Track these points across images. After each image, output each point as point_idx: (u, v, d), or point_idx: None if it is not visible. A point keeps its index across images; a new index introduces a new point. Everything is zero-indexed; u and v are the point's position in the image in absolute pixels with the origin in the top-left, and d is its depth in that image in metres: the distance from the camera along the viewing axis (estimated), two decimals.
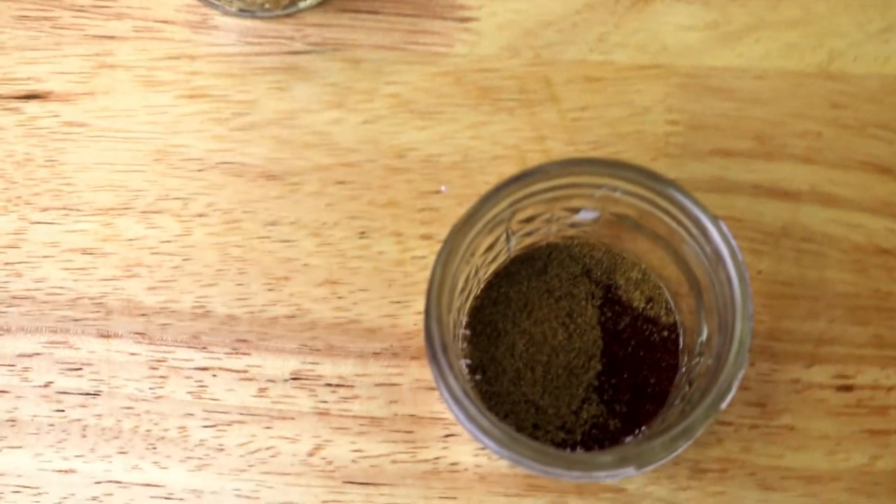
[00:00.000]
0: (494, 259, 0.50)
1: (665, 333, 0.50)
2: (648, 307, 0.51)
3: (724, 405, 0.42)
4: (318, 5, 0.55)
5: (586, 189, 0.46)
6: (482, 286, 0.51)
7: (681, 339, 0.50)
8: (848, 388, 0.52)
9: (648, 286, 0.51)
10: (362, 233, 0.53)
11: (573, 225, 0.50)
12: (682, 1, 0.55)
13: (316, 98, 0.55)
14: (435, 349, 0.43)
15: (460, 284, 0.47)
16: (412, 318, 0.53)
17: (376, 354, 0.52)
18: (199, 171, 0.54)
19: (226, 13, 0.55)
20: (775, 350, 0.52)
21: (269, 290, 0.53)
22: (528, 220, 0.48)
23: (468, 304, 0.50)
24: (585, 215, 0.49)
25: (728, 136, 0.54)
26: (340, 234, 0.53)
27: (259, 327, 0.53)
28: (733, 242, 0.43)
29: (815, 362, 0.52)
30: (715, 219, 0.43)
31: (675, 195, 0.44)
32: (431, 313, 0.43)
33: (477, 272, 0.49)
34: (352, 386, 0.52)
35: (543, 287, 0.51)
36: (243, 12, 0.55)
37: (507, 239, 0.49)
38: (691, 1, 0.55)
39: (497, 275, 0.51)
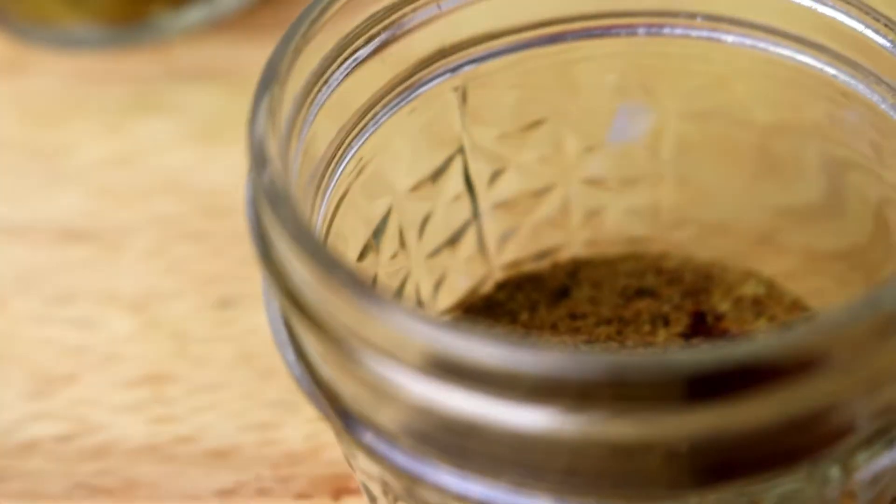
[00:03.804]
0: (450, 270, 0.25)
1: None
2: None
3: None
4: (204, 26, 0.35)
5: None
6: None
7: None
8: None
9: (781, 308, 0.25)
10: (223, 302, 0.29)
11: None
12: None
13: (172, 133, 0.32)
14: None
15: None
16: (302, 428, 0.26)
17: (226, 494, 0.25)
18: None
19: (50, 42, 0.35)
20: None
21: (34, 397, 0.27)
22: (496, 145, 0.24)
23: None
24: (622, 128, 0.24)
25: None
26: (184, 306, 0.29)
27: (3, 460, 0.26)
28: None
29: None
30: None
31: None
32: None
33: (418, 294, 0.24)
34: None
35: (563, 312, 0.25)
36: (75, 41, 0.34)
37: (470, 190, 0.24)
38: None
39: (468, 309, 0.25)
